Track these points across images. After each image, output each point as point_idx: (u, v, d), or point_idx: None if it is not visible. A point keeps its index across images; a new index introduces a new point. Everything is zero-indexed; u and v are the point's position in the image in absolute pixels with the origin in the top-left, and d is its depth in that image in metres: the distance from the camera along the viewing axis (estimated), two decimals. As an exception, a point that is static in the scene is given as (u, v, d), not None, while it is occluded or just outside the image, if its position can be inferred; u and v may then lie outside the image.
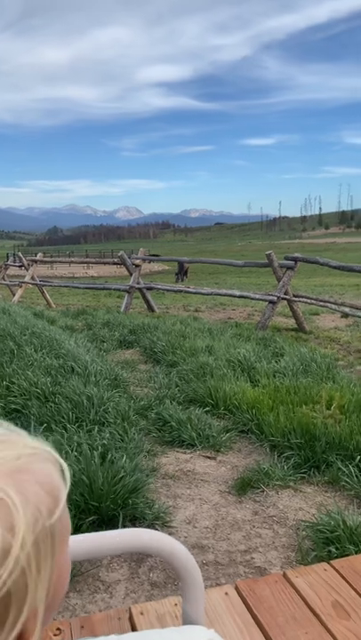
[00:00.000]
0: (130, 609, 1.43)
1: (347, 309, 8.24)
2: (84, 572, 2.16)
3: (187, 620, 0.78)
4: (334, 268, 8.15)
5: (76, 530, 2.30)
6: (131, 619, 1.39)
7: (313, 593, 1.45)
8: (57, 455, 0.49)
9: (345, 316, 9.00)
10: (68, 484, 0.48)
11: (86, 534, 0.75)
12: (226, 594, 1.45)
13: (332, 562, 1.61)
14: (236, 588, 1.48)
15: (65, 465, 0.49)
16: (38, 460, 0.46)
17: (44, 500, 0.44)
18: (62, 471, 0.48)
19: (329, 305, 8.48)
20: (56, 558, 0.44)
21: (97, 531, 2.37)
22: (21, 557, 0.40)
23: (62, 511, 0.46)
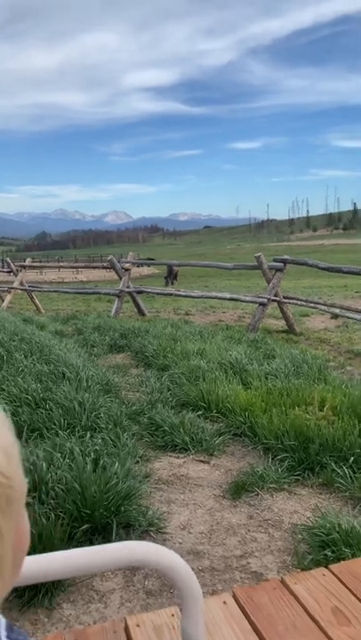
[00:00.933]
0: (125, 620, 1.40)
1: (337, 310, 8.26)
2: (77, 582, 2.12)
3: (186, 639, 0.75)
4: (323, 269, 8.17)
5: (70, 538, 2.25)
6: (127, 631, 1.36)
7: (312, 599, 1.43)
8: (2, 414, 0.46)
9: (335, 317, 9.03)
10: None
11: (81, 549, 0.72)
12: (224, 602, 1.42)
13: (330, 566, 1.59)
14: (234, 596, 1.45)
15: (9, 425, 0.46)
16: None
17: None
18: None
19: (319, 306, 8.51)
20: (17, 519, 0.43)
21: (90, 539, 2.33)
22: None
23: (19, 472, 0.44)
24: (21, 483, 0.44)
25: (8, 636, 0.48)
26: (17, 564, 0.46)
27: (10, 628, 0.48)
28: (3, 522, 0.40)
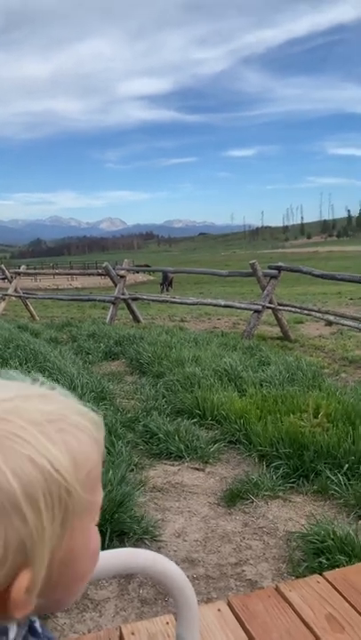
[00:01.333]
0: (120, 629, 1.40)
1: (331, 317, 8.30)
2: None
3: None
4: (317, 276, 8.21)
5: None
6: (121, 639, 1.36)
7: (306, 606, 1.43)
8: (100, 433, 0.49)
9: (329, 324, 9.06)
10: (100, 464, 0.48)
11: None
12: (219, 610, 1.42)
13: (324, 574, 1.60)
14: (229, 604, 1.45)
15: (102, 448, 0.49)
16: (75, 427, 0.46)
17: (62, 461, 0.43)
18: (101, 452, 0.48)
19: (313, 313, 8.54)
20: (68, 533, 0.43)
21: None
22: (20, 494, 0.39)
23: (84, 487, 0.44)
24: (86, 498, 0.44)
25: (42, 633, 0.52)
26: (66, 584, 0.46)
27: (42, 627, 0.52)
28: (47, 524, 0.41)
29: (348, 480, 2.89)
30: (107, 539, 2.35)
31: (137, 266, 23.76)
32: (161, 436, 3.53)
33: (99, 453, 0.48)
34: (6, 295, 12.62)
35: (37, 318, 12.04)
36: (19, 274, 13.32)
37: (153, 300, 11.24)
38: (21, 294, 12.61)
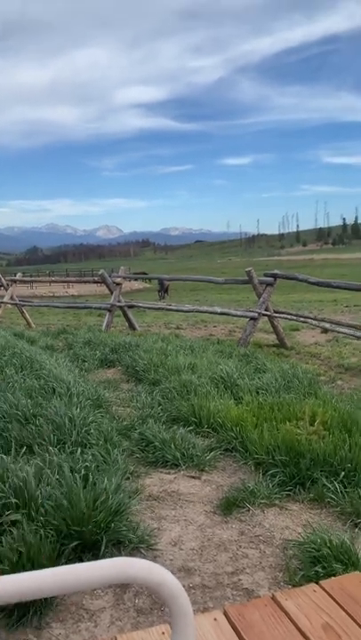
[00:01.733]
0: (116, 639, 1.38)
1: (327, 325, 8.32)
2: (66, 601, 2.09)
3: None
4: (313, 284, 8.24)
5: (59, 556, 2.23)
6: (117, 649, 1.34)
7: (303, 616, 1.42)
8: None
9: (325, 331, 9.08)
10: None
11: (71, 566, 0.72)
12: (215, 620, 1.41)
13: (321, 582, 1.59)
14: (225, 614, 1.44)
15: None
16: None
17: None
18: None
19: (309, 320, 8.56)
20: None
21: (80, 557, 2.31)
22: None
23: None
24: None
25: None
26: None
27: None
28: None
29: (345, 488, 2.88)
30: (102, 548, 2.33)
31: (135, 273, 23.92)
32: (157, 443, 3.52)
33: None
34: (2, 303, 12.60)
35: (33, 326, 12.02)
36: (15, 281, 13.31)
37: (149, 308, 11.24)
38: (17, 302, 12.59)
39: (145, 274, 21.76)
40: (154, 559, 2.36)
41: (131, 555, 2.37)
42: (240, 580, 2.24)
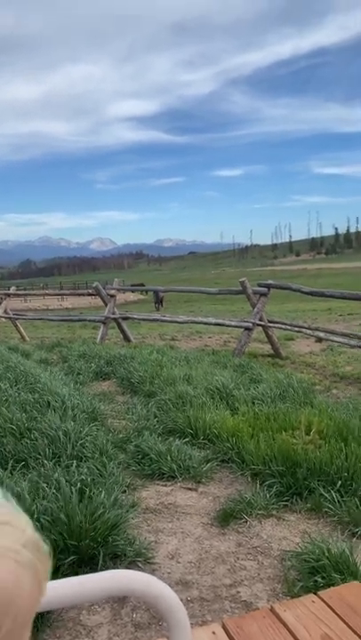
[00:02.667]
0: (114, 654, 1.37)
1: (321, 334, 8.34)
2: (63, 617, 2.07)
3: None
4: (306, 293, 8.27)
5: (55, 571, 2.21)
6: (115, 665, 1.33)
7: (301, 627, 1.42)
8: (42, 561, 0.39)
9: (319, 340, 9.10)
10: (41, 594, 0.38)
11: (68, 579, 0.72)
12: (213, 633, 1.40)
13: (319, 593, 1.58)
14: (224, 627, 1.43)
15: (43, 569, 0.38)
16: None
17: None
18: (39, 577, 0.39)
19: (304, 330, 8.58)
20: None
21: (77, 572, 2.29)
22: None
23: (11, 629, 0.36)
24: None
25: None
26: None
27: None
28: None
29: (342, 497, 2.88)
30: (100, 561, 2.31)
31: (132, 285, 24.00)
32: (153, 456, 3.51)
33: (31, 586, 0.37)
34: (-4, 316, 12.56)
35: (28, 339, 11.98)
36: (8, 295, 13.29)
37: (143, 319, 11.24)
38: (11, 315, 12.56)
39: (142, 285, 21.86)
40: (152, 572, 2.34)
41: (128, 568, 2.35)
42: (238, 592, 2.23)
